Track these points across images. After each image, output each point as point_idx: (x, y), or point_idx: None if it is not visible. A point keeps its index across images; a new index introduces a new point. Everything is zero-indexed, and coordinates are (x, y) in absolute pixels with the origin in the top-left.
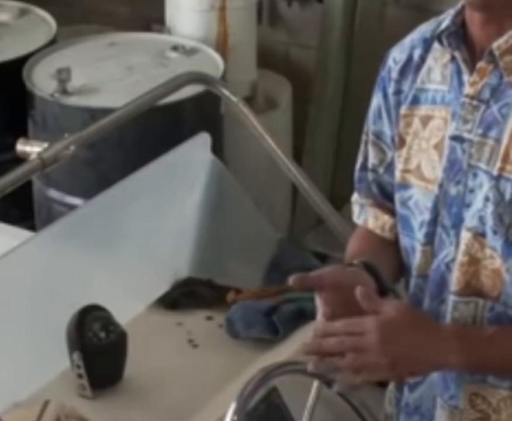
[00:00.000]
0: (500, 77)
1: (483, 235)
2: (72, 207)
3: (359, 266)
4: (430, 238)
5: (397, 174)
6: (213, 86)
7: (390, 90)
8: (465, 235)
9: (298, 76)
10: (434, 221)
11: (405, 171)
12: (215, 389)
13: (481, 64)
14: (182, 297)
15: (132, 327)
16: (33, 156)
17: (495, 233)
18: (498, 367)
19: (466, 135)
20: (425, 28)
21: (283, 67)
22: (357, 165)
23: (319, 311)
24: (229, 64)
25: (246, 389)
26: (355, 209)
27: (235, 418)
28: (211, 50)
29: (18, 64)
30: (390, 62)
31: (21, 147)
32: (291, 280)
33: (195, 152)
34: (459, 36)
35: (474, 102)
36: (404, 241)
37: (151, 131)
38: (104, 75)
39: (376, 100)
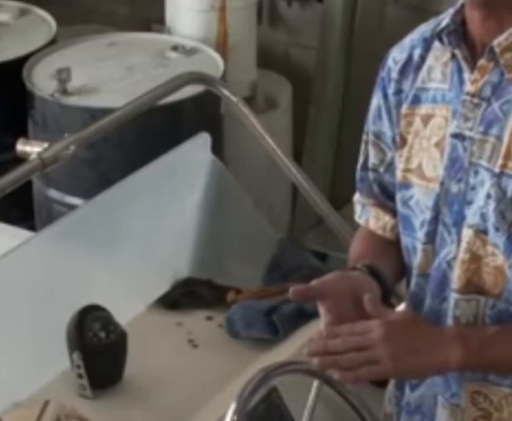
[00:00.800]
0: (501, 74)
1: (484, 232)
2: (72, 207)
3: (362, 270)
4: (431, 237)
5: (398, 174)
6: (213, 86)
7: (390, 90)
8: (466, 233)
9: (298, 76)
10: (435, 219)
11: (406, 170)
12: (215, 389)
13: (482, 62)
14: (182, 297)
15: (132, 327)
16: (33, 156)
17: (497, 229)
18: (500, 367)
19: (467, 133)
20: (424, 28)
21: (283, 67)
22: (359, 165)
23: (322, 320)
24: (229, 64)
25: (246, 389)
26: (357, 208)
27: (235, 418)
28: (211, 50)
29: (18, 64)
30: (389, 62)
31: (21, 147)
32: (291, 293)
33: (195, 152)
34: (459, 34)
35: (475, 100)
36: (405, 240)
37: (151, 131)
38: (104, 75)
39: (376, 100)
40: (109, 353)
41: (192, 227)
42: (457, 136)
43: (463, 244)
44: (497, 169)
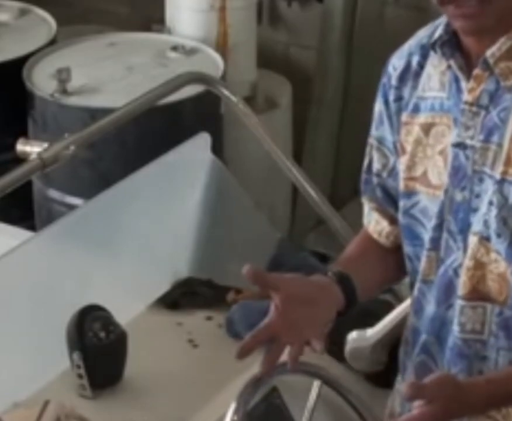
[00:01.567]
0: (497, 82)
1: (487, 239)
2: (72, 207)
3: (331, 277)
4: (435, 244)
5: (401, 183)
6: (213, 86)
7: (391, 97)
8: (472, 240)
9: (298, 76)
10: (439, 226)
11: (409, 178)
12: (215, 389)
13: (477, 71)
14: (182, 297)
15: (132, 327)
16: (33, 156)
17: (499, 236)
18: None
19: (468, 141)
20: (422, 34)
21: (283, 67)
22: (364, 167)
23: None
24: (229, 64)
25: (246, 389)
26: (364, 209)
27: (235, 418)
28: (211, 50)
29: (18, 64)
30: (390, 69)
31: (21, 147)
32: (244, 269)
33: (195, 152)
34: (453, 44)
35: (474, 108)
36: (407, 250)
37: (151, 131)
38: (104, 75)
39: (378, 106)
40: (109, 353)
41: (192, 227)
42: (459, 145)
43: (469, 251)
44: (498, 176)
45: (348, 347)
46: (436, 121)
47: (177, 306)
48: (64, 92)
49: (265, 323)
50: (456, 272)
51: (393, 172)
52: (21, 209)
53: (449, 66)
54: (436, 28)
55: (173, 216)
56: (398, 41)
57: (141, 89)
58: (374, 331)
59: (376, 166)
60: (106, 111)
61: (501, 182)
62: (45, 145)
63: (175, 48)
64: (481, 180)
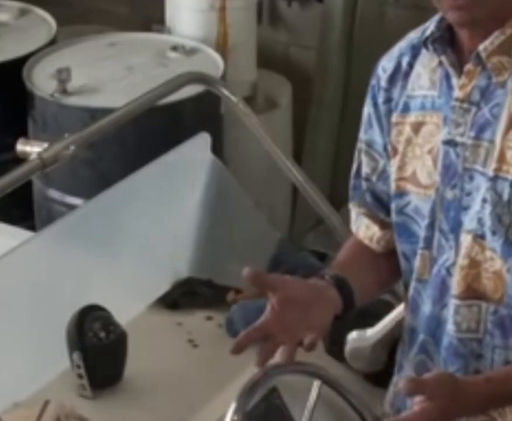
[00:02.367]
0: (489, 78)
1: (482, 237)
2: (72, 207)
3: (329, 281)
4: (428, 243)
5: (392, 184)
6: (213, 86)
7: (380, 99)
8: (465, 239)
9: (298, 76)
10: (431, 225)
11: (400, 179)
12: (215, 389)
13: (468, 67)
14: (182, 297)
15: (132, 327)
16: (33, 156)
17: (494, 233)
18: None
19: (458, 138)
20: (413, 36)
21: (283, 67)
22: (352, 173)
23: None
24: (229, 64)
25: (246, 389)
26: (352, 216)
27: (235, 418)
28: (211, 50)
29: (18, 64)
30: (379, 71)
31: (21, 147)
32: (244, 271)
33: (195, 152)
34: (445, 40)
35: (465, 105)
36: (402, 247)
37: (151, 131)
38: (104, 75)
39: (367, 109)
40: (109, 353)
41: (192, 227)
42: (449, 143)
43: (462, 250)
44: (491, 173)
45: (348, 347)
46: (426, 120)
47: (177, 306)
48: (64, 92)
49: (260, 321)
50: (448, 271)
51: (382, 176)
52: (21, 209)
53: (440, 63)
54: (427, 28)
55: (173, 216)
56: (398, 41)
57: (141, 89)
58: (374, 331)
59: (365, 170)
60: (106, 111)
61: (494, 179)
62: (45, 145)
63: (175, 48)
64: (471, 178)
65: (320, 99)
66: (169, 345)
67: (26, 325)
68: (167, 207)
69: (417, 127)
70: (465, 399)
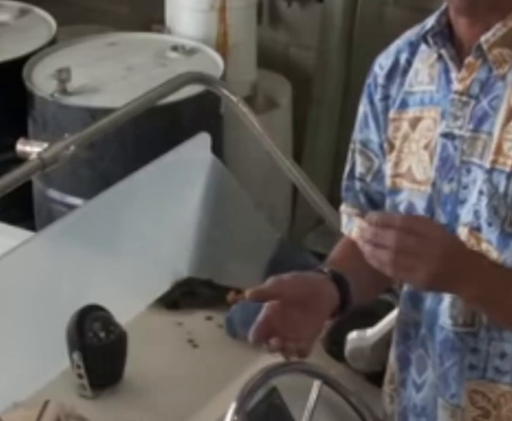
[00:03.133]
0: (489, 71)
1: (478, 229)
2: (72, 207)
3: (327, 275)
4: None
5: (387, 180)
6: (213, 86)
7: (377, 96)
8: (462, 232)
9: (298, 76)
10: None
11: (395, 175)
12: (215, 389)
13: (469, 59)
14: (182, 297)
15: (132, 327)
16: (33, 156)
17: (490, 225)
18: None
19: (456, 131)
20: (410, 33)
21: (283, 67)
22: (345, 174)
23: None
24: (229, 64)
25: (246, 389)
26: (343, 219)
27: (235, 418)
28: (211, 50)
29: (18, 64)
30: (376, 68)
31: (21, 147)
32: (247, 295)
33: (195, 152)
34: (445, 35)
35: (464, 98)
36: None
37: (151, 131)
38: (104, 75)
39: (363, 108)
40: (109, 353)
41: (192, 227)
42: (447, 135)
43: None
44: (487, 165)
45: (348, 347)
46: (423, 115)
47: (177, 306)
48: (64, 92)
49: (264, 316)
50: None
51: (377, 176)
52: (21, 209)
53: (439, 57)
54: (426, 23)
55: (173, 216)
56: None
57: (141, 89)
58: (374, 331)
59: (360, 170)
60: (106, 111)
61: (490, 172)
62: (45, 145)
63: (175, 48)
64: (468, 171)
65: (320, 99)
66: (169, 345)
67: (26, 325)
68: (167, 207)
69: (414, 123)
70: (465, 255)
